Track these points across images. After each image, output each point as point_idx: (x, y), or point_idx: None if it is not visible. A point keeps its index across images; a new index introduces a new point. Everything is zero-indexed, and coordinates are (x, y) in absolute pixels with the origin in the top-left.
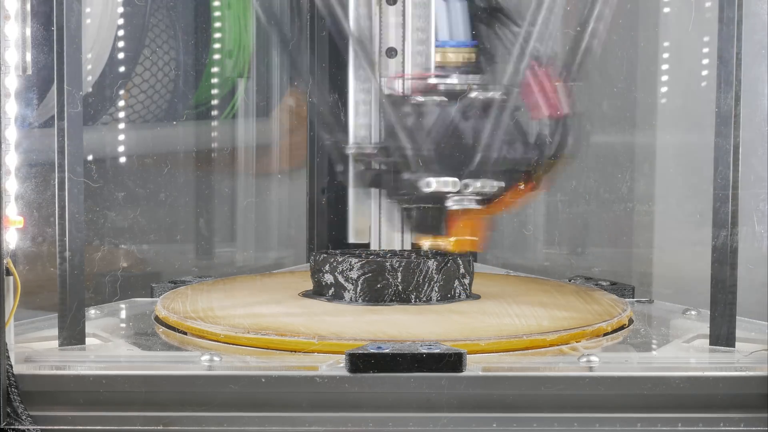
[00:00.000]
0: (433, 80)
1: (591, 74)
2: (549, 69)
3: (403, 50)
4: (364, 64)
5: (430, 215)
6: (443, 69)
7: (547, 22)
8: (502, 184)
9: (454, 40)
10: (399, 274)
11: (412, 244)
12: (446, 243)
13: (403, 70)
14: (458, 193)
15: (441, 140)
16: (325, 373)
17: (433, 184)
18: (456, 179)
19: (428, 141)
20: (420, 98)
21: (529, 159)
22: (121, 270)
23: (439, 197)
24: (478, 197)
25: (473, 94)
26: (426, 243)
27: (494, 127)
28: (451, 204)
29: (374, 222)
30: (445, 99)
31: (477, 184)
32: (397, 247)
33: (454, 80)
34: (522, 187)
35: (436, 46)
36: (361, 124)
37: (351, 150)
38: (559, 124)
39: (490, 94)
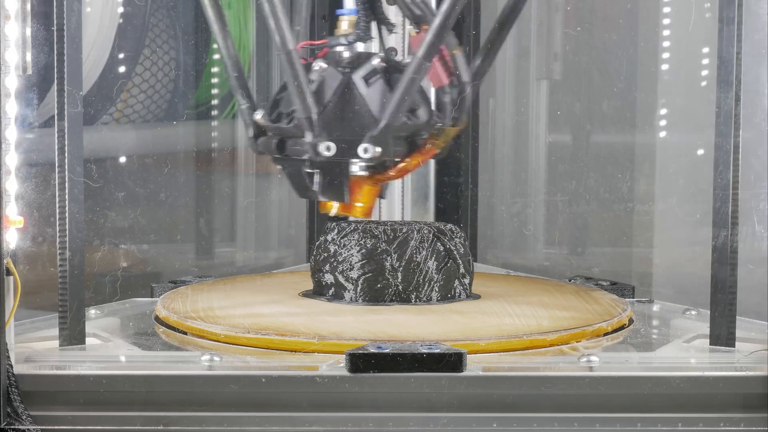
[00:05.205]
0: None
1: (591, 74)
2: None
3: None
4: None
5: (328, 180)
6: (338, 37)
7: None
8: (382, 149)
9: (345, 8)
10: (399, 274)
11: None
12: (336, 208)
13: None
14: (349, 158)
15: (330, 106)
16: (325, 373)
17: (317, 147)
18: (331, 143)
19: (318, 106)
20: (321, 65)
21: (425, 125)
22: (121, 270)
23: (324, 163)
24: (367, 163)
25: (375, 62)
26: (332, 208)
27: (390, 94)
28: (354, 169)
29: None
30: (325, 66)
31: (362, 150)
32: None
33: (341, 48)
34: (419, 153)
35: (337, 15)
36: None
37: (256, 116)
38: (456, 92)
39: (377, 62)
